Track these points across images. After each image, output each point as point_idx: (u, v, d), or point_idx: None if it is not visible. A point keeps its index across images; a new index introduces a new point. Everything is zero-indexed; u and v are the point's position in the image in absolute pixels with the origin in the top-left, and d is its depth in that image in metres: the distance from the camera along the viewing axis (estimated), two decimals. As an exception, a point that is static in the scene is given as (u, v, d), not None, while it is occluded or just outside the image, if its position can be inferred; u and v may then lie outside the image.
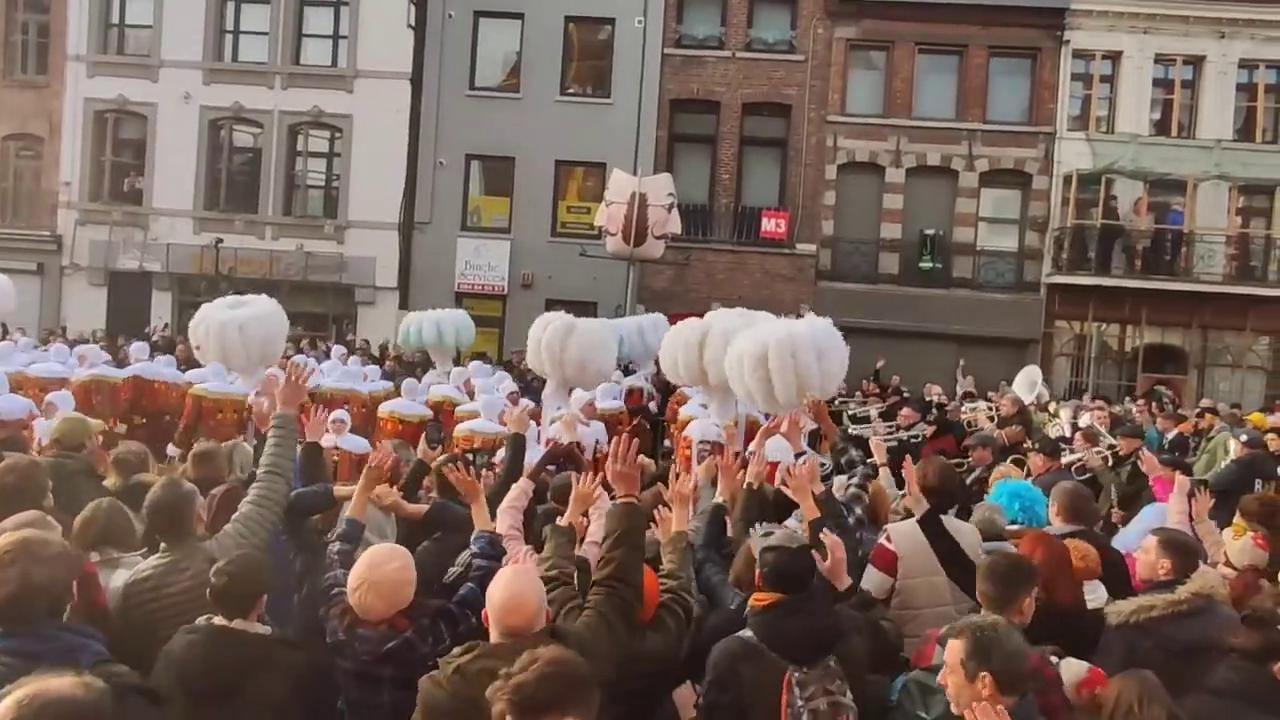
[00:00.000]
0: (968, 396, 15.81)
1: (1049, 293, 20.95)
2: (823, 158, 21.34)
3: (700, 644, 3.57)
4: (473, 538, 3.89)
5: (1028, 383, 15.18)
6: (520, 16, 21.47)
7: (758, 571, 3.47)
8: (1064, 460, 8.54)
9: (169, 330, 19.95)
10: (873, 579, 4.27)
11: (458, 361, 14.68)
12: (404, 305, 21.52)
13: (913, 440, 10.66)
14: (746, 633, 3.36)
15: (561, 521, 3.84)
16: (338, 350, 14.56)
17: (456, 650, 2.79)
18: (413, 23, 21.39)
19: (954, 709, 2.71)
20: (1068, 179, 20.71)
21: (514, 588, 2.83)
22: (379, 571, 3.16)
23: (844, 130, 21.31)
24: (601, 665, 2.77)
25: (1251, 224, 21.35)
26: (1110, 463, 9.04)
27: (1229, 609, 3.82)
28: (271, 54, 21.74)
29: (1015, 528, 5.04)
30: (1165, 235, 20.63)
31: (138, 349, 11.55)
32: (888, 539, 4.40)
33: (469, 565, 3.76)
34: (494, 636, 2.80)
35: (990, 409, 13.11)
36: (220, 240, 20.33)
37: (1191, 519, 5.08)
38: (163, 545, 3.61)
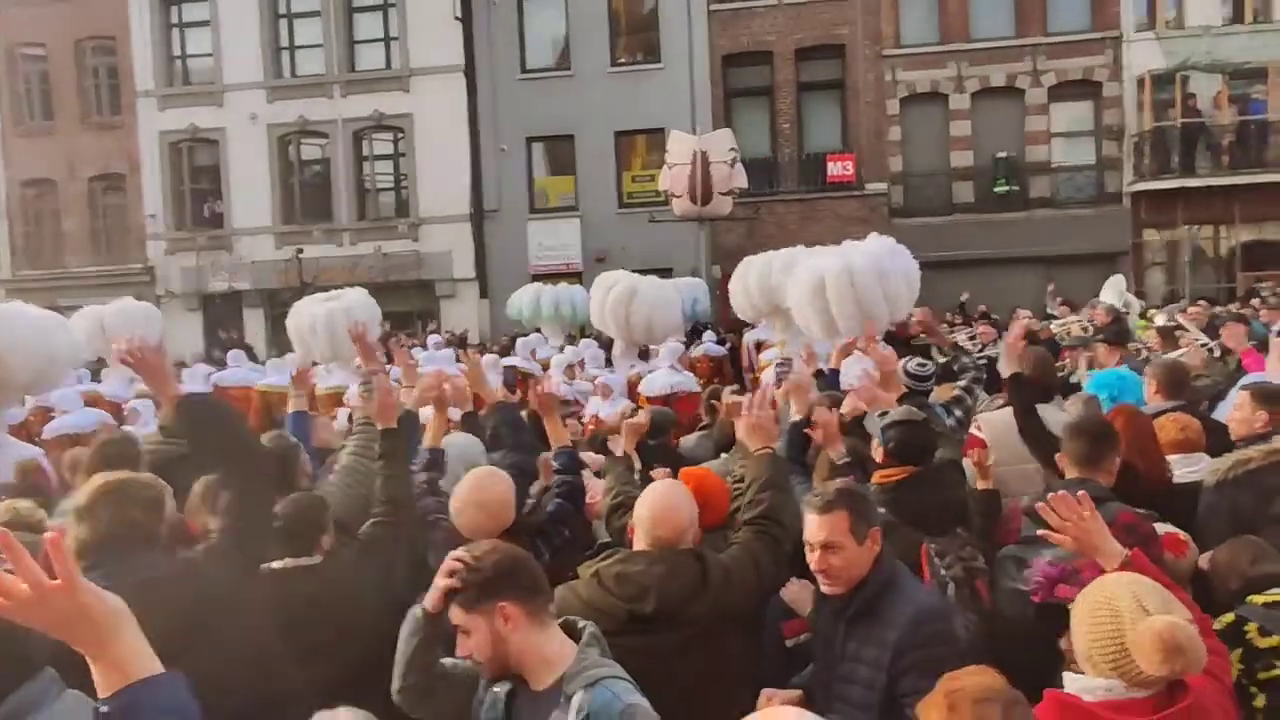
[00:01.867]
0: (1055, 317, 16.22)
1: (1134, 202, 21.29)
2: (882, 94, 21.95)
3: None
4: (552, 455, 4.16)
5: (1115, 292, 15.57)
6: (563, -7, 22.47)
7: (880, 448, 3.73)
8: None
9: (237, 337, 21.54)
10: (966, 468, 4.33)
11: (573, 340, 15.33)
12: (483, 294, 22.92)
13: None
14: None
15: (618, 452, 4.20)
16: (434, 340, 15.61)
17: (597, 555, 2.99)
18: (459, 14, 22.64)
19: (842, 583, 2.79)
20: (1140, 82, 21.02)
21: (667, 498, 2.96)
22: (487, 493, 3.37)
23: (901, 63, 21.90)
24: (746, 599, 2.96)
25: (1343, 103, 21.13)
26: (1216, 355, 8.84)
27: None
28: (328, 64, 23.32)
29: None
30: (1250, 127, 20.68)
31: (233, 357, 12.75)
32: (977, 427, 4.71)
33: (546, 488, 4.02)
34: (638, 542, 2.95)
35: (1082, 323, 13.48)
36: (300, 251, 21.95)
37: None
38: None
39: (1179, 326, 10.60)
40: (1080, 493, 2.66)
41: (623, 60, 23.02)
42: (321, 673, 2.85)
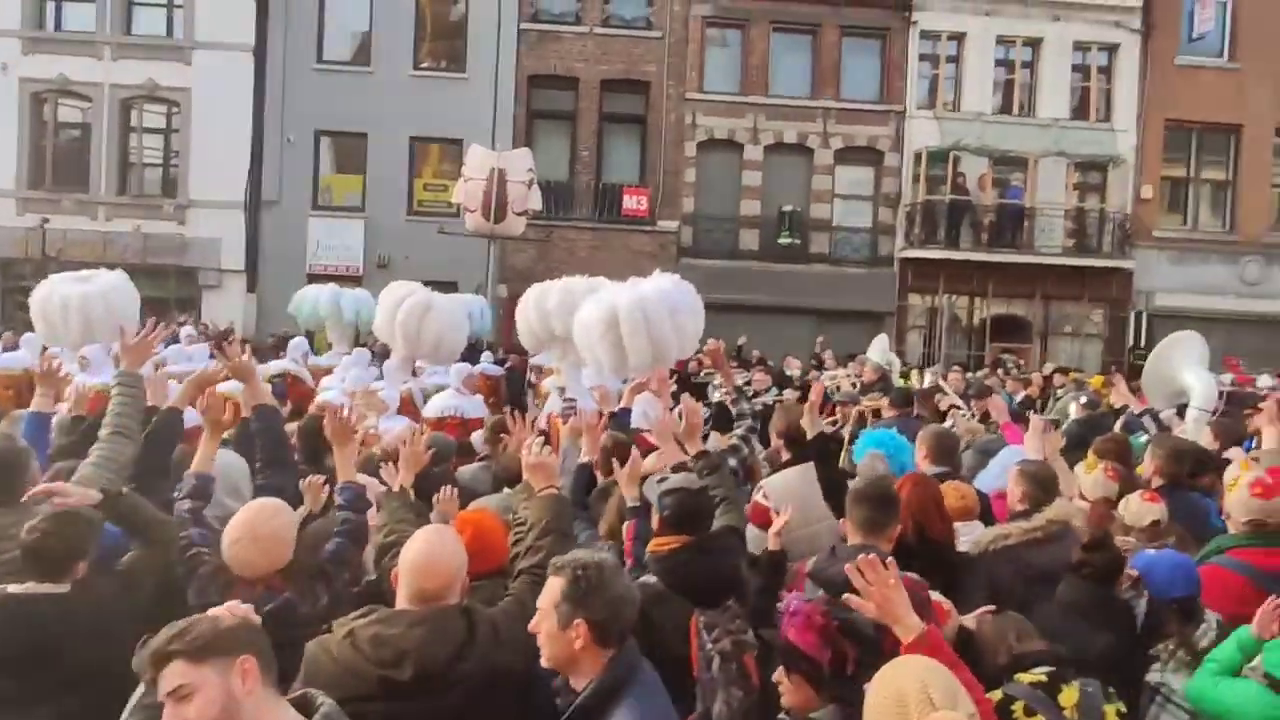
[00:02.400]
0: (822, 366, 17.09)
1: (902, 267, 22.80)
2: (682, 135, 22.62)
3: None
4: (337, 490, 3.89)
5: (880, 350, 16.66)
6: (370, -14, 21.88)
7: (657, 515, 3.61)
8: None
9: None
10: (754, 538, 4.32)
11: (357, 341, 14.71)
12: (251, 288, 21.86)
13: (775, 403, 11.48)
14: (649, 578, 3.48)
15: (395, 486, 3.89)
16: (186, 332, 14.71)
17: (356, 614, 2.73)
18: (254, -8, 21.48)
19: (544, 659, 2.61)
20: (918, 156, 22.64)
21: (433, 548, 2.77)
22: (264, 526, 3.16)
23: (702, 108, 22.64)
24: (517, 657, 2.74)
25: (1087, 199, 23.54)
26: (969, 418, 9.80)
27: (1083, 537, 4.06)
28: (100, 23, 21.69)
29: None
30: (1008, 210, 22.63)
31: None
32: (764, 495, 4.54)
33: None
34: (401, 599, 2.74)
35: (851, 377, 14.25)
36: (46, 220, 20.22)
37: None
38: None
39: (939, 389, 11.45)
40: (889, 559, 2.74)
41: (426, 64, 22.63)
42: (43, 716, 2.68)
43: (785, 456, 4.91)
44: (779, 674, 2.66)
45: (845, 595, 2.70)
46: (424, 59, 22.71)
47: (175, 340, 14.19)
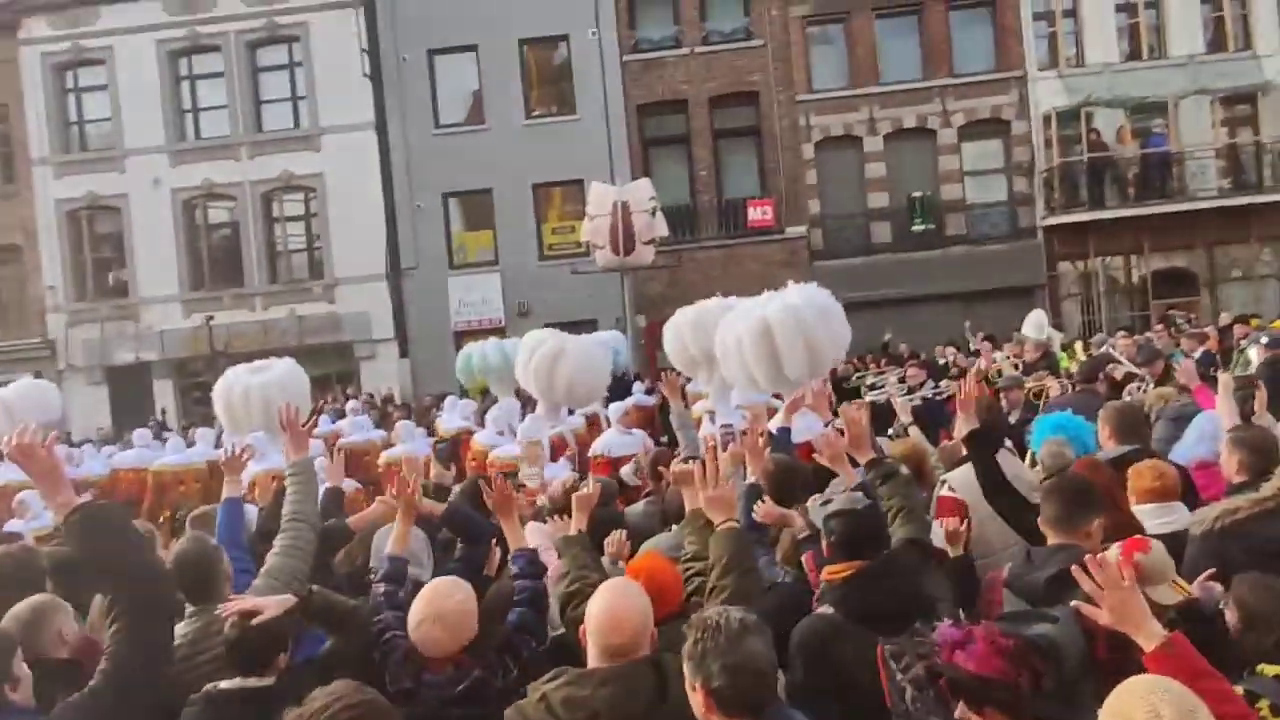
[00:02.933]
0: (979, 353, 16.57)
1: (1046, 235, 22.03)
2: (798, 138, 22.50)
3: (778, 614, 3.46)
4: (510, 558, 3.91)
5: (1036, 326, 16.02)
6: (474, 48, 22.84)
7: (825, 541, 3.45)
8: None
9: (165, 417, 21.06)
10: (945, 531, 4.22)
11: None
12: (403, 354, 22.77)
13: (938, 397, 10.79)
14: (826, 609, 3.32)
15: (570, 531, 3.89)
16: (352, 406, 15.37)
17: (546, 676, 2.74)
18: (368, 72, 22.54)
19: None
20: (1046, 119, 21.90)
21: (617, 604, 2.74)
22: (446, 604, 3.21)
23: (814, 108, 22.50)
24: None
25: (1238, 134, 22.22)
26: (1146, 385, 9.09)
27: None
28: (234, 126, 23.10)
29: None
30: (1152, 159, 21.58)
31: (139, 437, 12.46)
32: (949, 488, 4.45)
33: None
34: (592, 658, 2.72)
35: (1010, 359, 13.73)
36: (211, 318, 21.56)
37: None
38: (189, 609, 3.55)
39: (1110, 359, 10.86)
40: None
41: (538, 112, 23.23)
42: None
43: (964, 451, 4.59)
44: (961, 711, 2.40)
45: (1075, 603, 2.55)
46: (535, 107, 23.32)
47: (342, 415, 14.93)
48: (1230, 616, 3.00)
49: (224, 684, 2.98)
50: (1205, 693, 2.15)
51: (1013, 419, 8.71)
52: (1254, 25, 22.02)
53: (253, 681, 2.99)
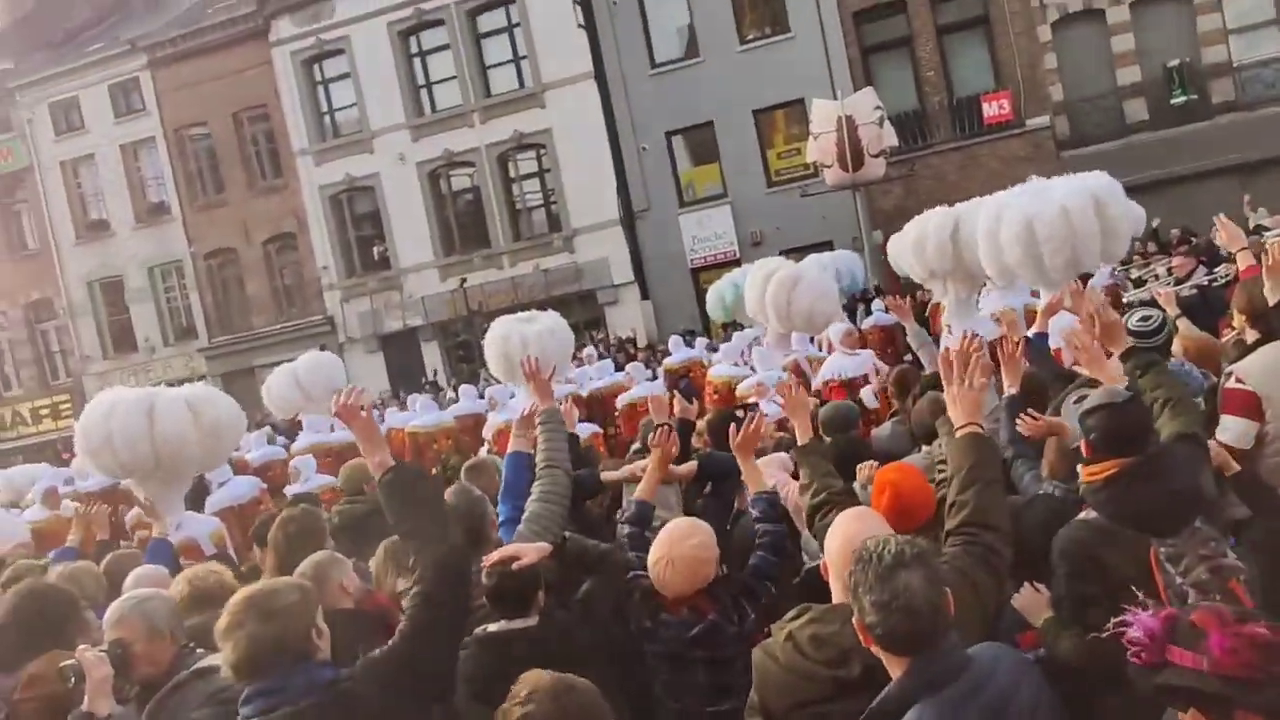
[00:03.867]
0: (1259, 230, 15.15)
1: (1336, 89, 19.52)
2: (1032, 21, 21.15)
3: (1029, 541, 3.33)
4: (750, 502, 3.93)
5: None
6: (682, -18, 22.59)
7: (1085, 441, 3.16)
8: None
9: (438, 378, 22.69)
10: (1232, 428, 3.83)
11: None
12: (645, 296, 23.33)
13: (1214, 284, 9.95)
14: (1089, 514, 3.13)
15: (801, 441, 3.72)
16: (588, 353, 15.97)
17: (789, 614, 2.66)
18: (581, 21, 22.99)
19: None
20: (1325, -45, 19.22)
21: (855, 533, 2.58)
22: (680, 547, 3.24)
23: (1048, -15, 20.86)
24: (967, 632, 2.46)
25: None
26: None
27: None
28: (465, 94, 24.28)
29: None
30: None
31: (422, 402, 13.61)
32: (1237, 380, 3.98)
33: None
34: (836, 594, 2.61)
35: (1298, 230, 12.52)
36: (464, 280, 22.88)
37: None
38: None
39: None
40: None
41: (751, 37, 22.93)
42: None
43: (1252, 338, 4.14)
44: (1191, 716, 1.89)
45: None
46: (747, 31, 23.04)
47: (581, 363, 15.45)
48: None
49: (492, 627, 3.16)
50: None
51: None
52: None
53: (518, 623, 3.14)
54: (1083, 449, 3.18)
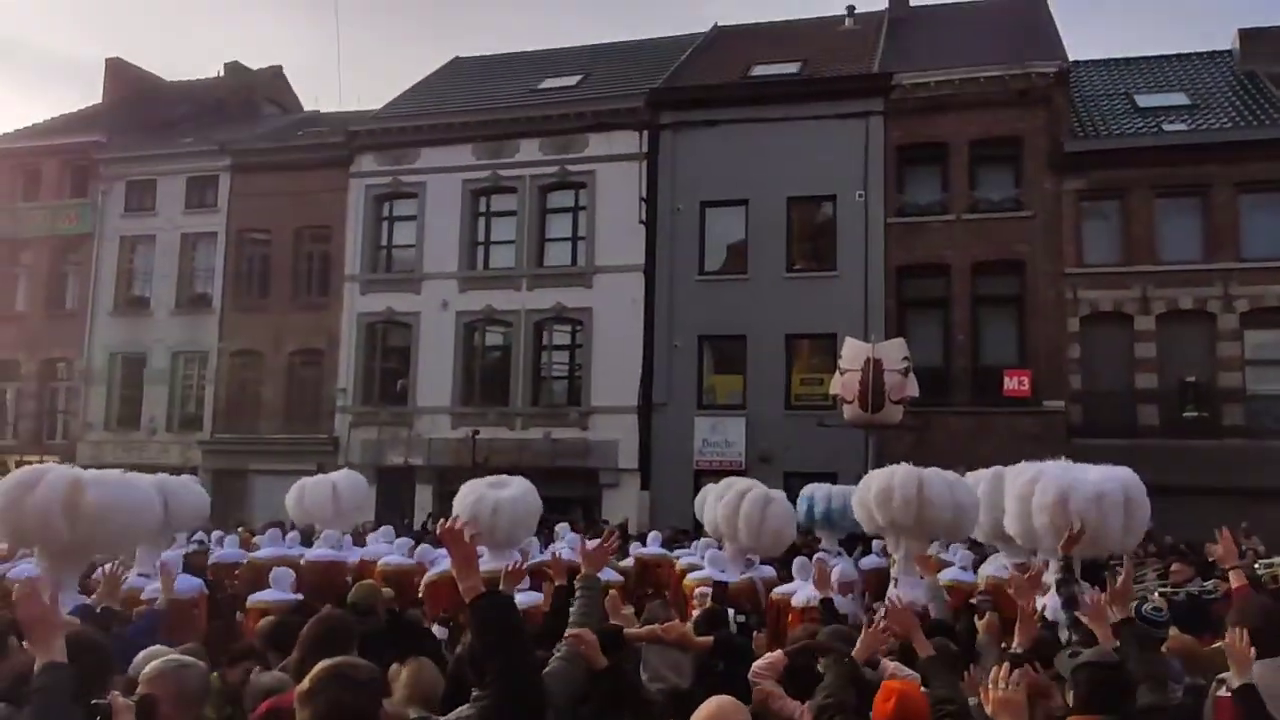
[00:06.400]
0: (1254, 554, 15.53)
1: (1339, 435, 20.36)
2: (1063, 311, 22.29)
3: None
4: None
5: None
6: (745, 203, 24.29)
7: (1073, 693, 3.56)
8: None
9: (429, 520, 22.87)
10: None
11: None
12: (645, 485, 23.70)
13: (1206, 597, 10.27)
14: None
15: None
16: (560, 528, 16.14)
17: None
18: (644, 219, 24.41)
19: None
20: (1343, 311, 20.48)
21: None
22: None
23: (1083, 282, 22.31)
24: None
25: None
26: None
27: None
28: (518, 259, 25.52)
29: None
30: None
31: (377, 535, 13.84)
32: (1228, 689, 4.26)
33: None
34: None
35: (1281, 569, 12.91)
36: (477, 432, 23.34)
37: None
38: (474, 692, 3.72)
39: None
40: None
41: (798, 266, 24.26)
42: None
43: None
44: None
45: None
46: (796, 261, 24.39)
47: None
48: None
49: None
50: None
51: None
52: None
53: None
54: (1070, 698, 3.65)
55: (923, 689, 4.09)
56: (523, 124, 26.07)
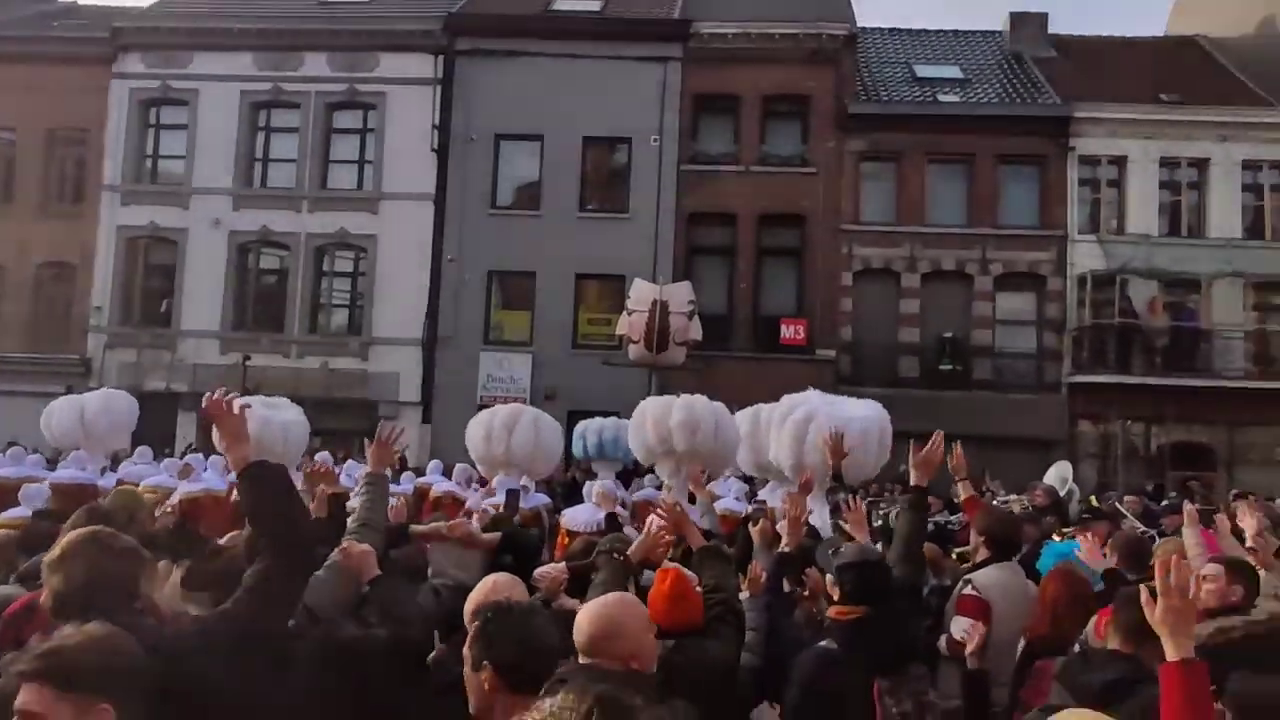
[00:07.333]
0: (991, 494, 16.93)
1: (1070, 392, 22.62)
2: (839, 265, 23.37)
3: (777, 658, 3.97)
4: None
5: (1059, 478, 16.40)
6: (540, 138, 24.00)
7: (835, 587, 3.87)
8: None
9: (194, 449, 21.61)
10: (964, 627, 4.51)
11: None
12: (426, 419, 23.23)
13: (950, 526, 11.27)
14: (829, 643, 3.76)
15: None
16: (322, 456, 15.72)
17: None
18: (436, 146, 23.73)
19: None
20: (1081, 280, 22.67)
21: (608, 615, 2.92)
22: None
23: (859, 238, 23.41)
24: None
25: (1268, 320, 22.90)
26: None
27: None
28: (299, 180, 24.18)
29: None
30: (1183, 333, 22.26)
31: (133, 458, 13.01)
32: (973, 588, 4.81)
33: None
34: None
35: (1022, 501, 14.15)
36: (248, 358, 22.20)
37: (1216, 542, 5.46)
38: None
39: (1119, 513, 11.39)
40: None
41: (591, 206, 24.30)
42: None
43: (984, 555, 5.13)
44: None
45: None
46: (589, 201, 24.41)
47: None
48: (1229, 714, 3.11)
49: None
50: None
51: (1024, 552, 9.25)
52: (1293, 217, 22.99)
53: None
54: (834, 592, 3.93)
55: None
56: (309, 36, 24.69)
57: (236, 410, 3.26)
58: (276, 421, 10.35)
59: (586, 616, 2.91)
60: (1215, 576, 4.20)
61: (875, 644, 3.65)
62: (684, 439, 9.93)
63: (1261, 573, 4.88)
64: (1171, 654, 2.54)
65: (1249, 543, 5.25)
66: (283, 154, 24.77)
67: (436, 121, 24.13)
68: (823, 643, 3.82)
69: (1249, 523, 5.37)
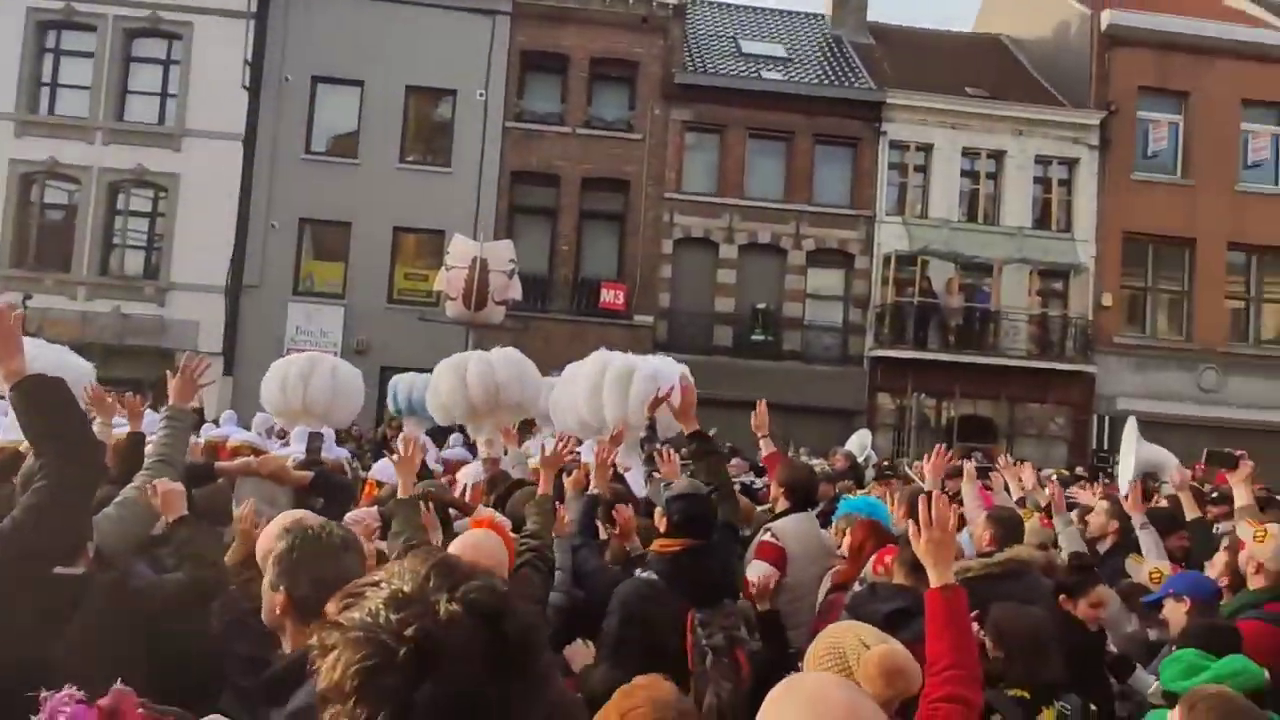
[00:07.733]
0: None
1: (871, 366, 23.72)
2: (660, 233, 23.64)
3: (593, 597, 4.18)
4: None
5: (859, 445, 17.32)
6: (360, 84, 23.16)
7: (664, 518, 4.03)
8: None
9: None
10: (760, 571, 4.65)
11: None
12: (228, 371, 22.18)
13: (754, 487, 11.68)
14: (649, 574, 3.89)
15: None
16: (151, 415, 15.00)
17: None
18: (247, 84, 22.50)
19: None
20: (887, 259, 23.73)
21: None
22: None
23: (680, 207, 23.74)
24: None
25: (1049, 305, 24.70)
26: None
27: (1042, 576, 4.61)
28: (93, 109, 22.48)
29: None
30: (975, 313, 23.71)
31: None
32: (772, 535, 5.06)
33: None
34: None
35: (822, 466, 14.85)
36: (29, 297, 20.54)
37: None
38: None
39: (909, 478, 12.15)
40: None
41: (412, 158, 23.65)
42: None
43: (784, 505, 5.43)
44: None
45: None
46: (409, 153, 23.75)
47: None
48: (987, 642, 3.51)
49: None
50: (956, 643, 2.75)
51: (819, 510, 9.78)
52: (1075, 211, 24.79)
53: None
54: (661, 524, 4.08)
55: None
56: (108, -45, 22.88)
57: (10, 320, 2.99)
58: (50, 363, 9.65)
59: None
60: (977, 524, 4.94)
61: (694, 576, 3.77)
62: (484, 395, 9.99)
63: (1029, 523, 5.71)
64: (934, 581, 2.86)
65: (1028, 487, 6.53)
66: (74, 80, 22.84)
67: (249, 58, 22.84)
68: (643, 574, 3.92)
69: (1026, 475, 6.77)
